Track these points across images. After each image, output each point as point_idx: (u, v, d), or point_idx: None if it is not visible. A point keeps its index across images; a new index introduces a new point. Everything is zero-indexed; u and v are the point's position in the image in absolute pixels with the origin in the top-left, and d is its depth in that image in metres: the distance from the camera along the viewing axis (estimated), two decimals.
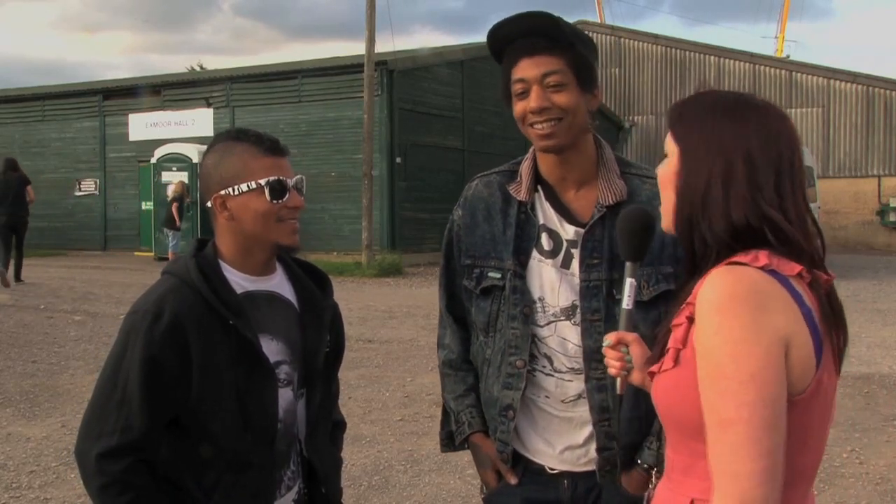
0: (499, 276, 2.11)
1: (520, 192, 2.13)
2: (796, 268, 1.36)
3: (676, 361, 1.41)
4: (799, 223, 1.41)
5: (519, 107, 2.05)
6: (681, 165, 1.46)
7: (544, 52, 2.01)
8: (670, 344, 1.44)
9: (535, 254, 2.10)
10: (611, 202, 2.06)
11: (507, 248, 2.11)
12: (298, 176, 1.94)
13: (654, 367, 1.48)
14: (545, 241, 2.10)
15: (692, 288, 1.42)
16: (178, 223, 17.88)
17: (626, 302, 1.68)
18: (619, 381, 1.68)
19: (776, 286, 1.34)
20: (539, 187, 2.13)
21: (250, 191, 1.87)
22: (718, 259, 1.41)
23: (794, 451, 1.34)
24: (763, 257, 1.36)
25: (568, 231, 2.09)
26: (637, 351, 1.67)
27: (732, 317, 1.31)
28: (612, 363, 1.66)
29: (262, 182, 1.86)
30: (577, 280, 2.07)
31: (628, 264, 1.70)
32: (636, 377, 1.66)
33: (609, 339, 1.68)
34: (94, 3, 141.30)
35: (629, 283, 1.69)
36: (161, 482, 1.84)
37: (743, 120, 1.43)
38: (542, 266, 2.09)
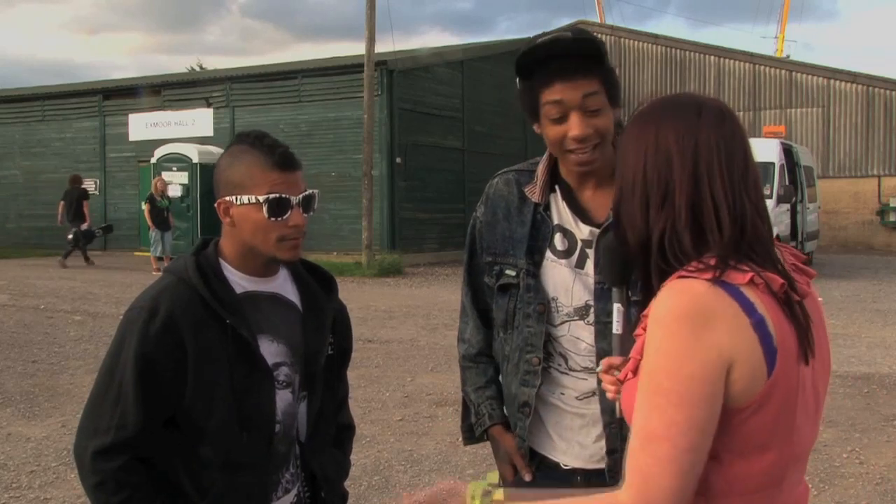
0: (514, 273, 2.13)
1: (535, 193, 2.14)
2: (747, 275, 1.33)
3: (636, 372, 1.42)
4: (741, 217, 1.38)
5: (556, 131, 1.99)
6: (616, 175, 1.46)
7: (580, 75, 1.94)
8: (632, 354, 1.45)
9: (548, 254, 2.11)
10: None
11: (521, 247, 2.12)
12: (308, 192, 1.90)
13: (621, 376, 1.49)
14: (559, 241, 2.10)
15: (651, 298, 1.42)
16: (150, 225, 16.71)
17: (616, 327, 1.69)
18: (617, 403, 1.68)
19: (722, 300, 1.31)
20: (556, 187, 2.13)
21: (251, 204, 1.84)
22: (665, 263, 1.39)
23: (756, 452, 1.34)
24: (711, 269, 1.33)
25: (583, 231, 2.09)
26: None
27: (673, 334, 1.31)
28: (608, 387, 1.66)
29: (262, 199, 1.83)
30: (591, 280, 2.06)
31: (614, 290, 1.70)
32: None
33: (602, 364, 1.69)
34: (104, 4, 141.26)
35: (616, 308, 1.69)
36: (156, 481, 1.84)
37: (678, 118, 1.41)
38: (556, 266, 2.10)
